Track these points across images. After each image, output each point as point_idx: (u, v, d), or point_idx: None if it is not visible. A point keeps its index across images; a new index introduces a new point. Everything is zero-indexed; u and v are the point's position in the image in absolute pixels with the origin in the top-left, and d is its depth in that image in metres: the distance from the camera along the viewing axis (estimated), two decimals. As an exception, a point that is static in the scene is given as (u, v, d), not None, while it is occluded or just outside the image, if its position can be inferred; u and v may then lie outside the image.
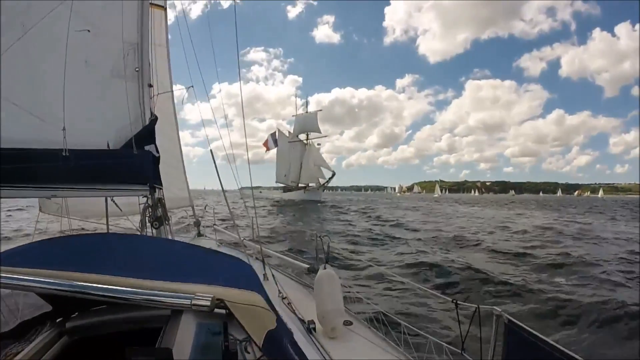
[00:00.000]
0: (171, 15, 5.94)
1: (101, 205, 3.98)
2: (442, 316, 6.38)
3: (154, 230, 3.81)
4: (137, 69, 3.56)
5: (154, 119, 3.59)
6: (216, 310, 1.41)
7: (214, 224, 7.14)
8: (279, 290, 3.57)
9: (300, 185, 74.96)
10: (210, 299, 1.32)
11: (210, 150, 4.38)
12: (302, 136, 77.78)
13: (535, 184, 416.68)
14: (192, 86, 5.22)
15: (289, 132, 78.74)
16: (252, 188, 5.17)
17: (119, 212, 4.27)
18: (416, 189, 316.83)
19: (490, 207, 50.75)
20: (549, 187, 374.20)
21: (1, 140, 2.88)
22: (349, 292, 3.82)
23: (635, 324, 5.93)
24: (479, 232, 19.28)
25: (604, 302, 6.86)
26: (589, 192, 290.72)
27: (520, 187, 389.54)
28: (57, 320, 2.27)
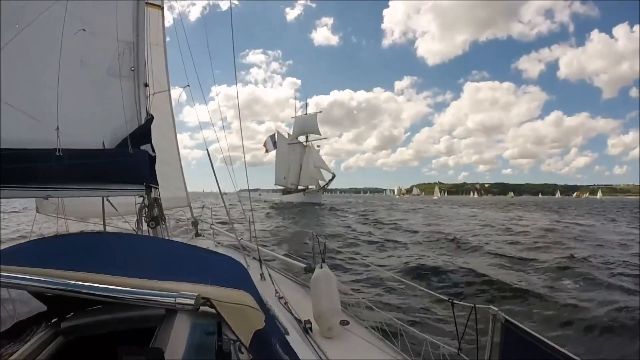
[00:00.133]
0: (170, 17, 5.94)
1: (98, 206, 3.97)
2: (438, 316, 6.38)
3: (151, 230, 3.80)
4: (132, 68, 3.55)
5: (149, 119, 3.58)
6: (207, 309, 1.40)
7: (212, 225, 7.14)
8: (275, 290, 3.56)
9: (299, 187, 74.66)
10: (194, 297, 1.30)
11: (207, 150, 4.38)
12: (302, 138, 77.64)
13: (534, 186, 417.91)
14: (188, 85, 5.20)
15: (288, 134, 78.68)
16: (249, 190, 5.16)
17: (116, 212, 4.25)
18: (415, 191, 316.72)
19: (491, 209, 50.65)
20: (548, 189, 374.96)
21: (0, 141, 2.87)
22: (346, 291, 3.80)
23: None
24: (482, 234, 19.13)
25: (618, 309, 6.76)
26: (587, 194, 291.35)
27: (519, 189, 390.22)
28: (53, 321, 2.26)
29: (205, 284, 1.48)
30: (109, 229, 4.35)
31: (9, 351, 1.91)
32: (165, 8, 5.87)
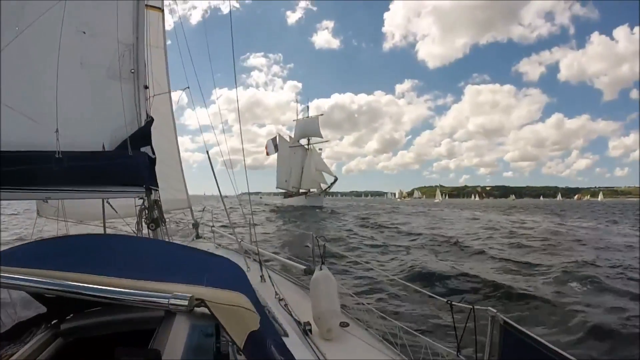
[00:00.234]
0: (171, 20, 5.96)
1: (98, 208, 3.97)
2: (438, 317, 6.36)
3: (151, 232, 3.80)
4: (132, 70, 3.56)
5: (149, 121, 3.59)
6: (205, 311, 1.40)
7: (212, 227, 7.15)
8: (275, 291, 3.56)
9: (301, 190, 74.35)
10: (188, 298, 1.29)
11: (207, 153, 4.39)
12: (303, 141, 77.50)
13: (535, 188, 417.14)
14: (188, 87, 5.22)
15: (290, 137, 78.50)
16: (249, 193, 5.16)
17: (117, 214, 4.26)
18: (416, 194, 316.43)
19: (493, 212, 50.42)
20: (549, 191, 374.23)
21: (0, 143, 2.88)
22: (346, 293, 3.81)
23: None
24: (486, 238, 18.84)
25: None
26: (588, 196, 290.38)
27: (521, 192, 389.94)
28: (52, 322, 2.26)
29: (200, 285, 1.48)
30: (109, 231, 4.35)
31: (9, 352, 1.92)
32: (167, 11, 5.89)
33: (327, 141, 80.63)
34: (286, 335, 2.42)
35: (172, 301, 1.29)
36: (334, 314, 3.03)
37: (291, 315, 3.14)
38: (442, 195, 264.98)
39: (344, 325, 3.14)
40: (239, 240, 5.14)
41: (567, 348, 5.11)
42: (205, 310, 1.38)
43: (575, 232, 22.14)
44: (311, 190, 72.93)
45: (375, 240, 17.79)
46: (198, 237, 7.01)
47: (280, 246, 13.83)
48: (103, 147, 3.36)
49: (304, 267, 4.11)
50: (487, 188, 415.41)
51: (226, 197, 5.21)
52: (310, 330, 2.95)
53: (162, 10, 5.82)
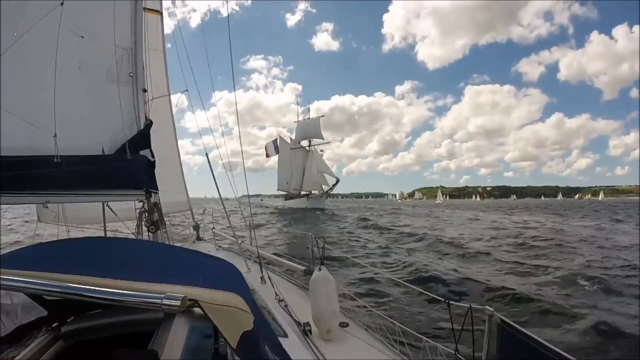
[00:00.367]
0: (171, 23, 5.98)
1: (98, 212, 3.98)
2: (436, 316, 6.39)
3: (151, 235, 3.81)
4: (131, 74, 3.58)
5: (148, 124, 3.61)
6: (199, 312, 1.42)
7: (213, 228, 7.17)
8: (275, 292, 3.57)
9: (302, 192, 74.06)
10: (180, 298, 1.31)
11: (207, 156, 4.41)
12: (304, 143, 77.28)
13: (536, 188, 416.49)
14: (187, 90, 5.24)
15: (291, 138, 78.37)
16: (248, 195, 5.18)
17: (117, 217, 4.27)
18: (417, 195, 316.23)
19: (496, 213, 50.18)
20: (550, 191, 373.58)
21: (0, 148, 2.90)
22: (345, 293, 3.81)
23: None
24: (491, 239, 18.55)
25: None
26: (589, 195, 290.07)
27: (521, 192, 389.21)
28: (53, 325, 2.28)
29: (195, 286, 1.50)
30: (109, 234, 4.37)
31: (10, 355, 1.93)
32: (166, 15, 5.91)
33: (328, 142, 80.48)
34: (286, 335, 2.43)
35: (165, 301, 1.31)
36: (333, 314, 3.04)
37: (291, 315, 3.15)
38: (443, 196, 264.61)
39: (343, 325, 3.15)
40: (240, 242, 5.16)
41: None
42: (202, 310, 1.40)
43: (581, 232, 22.03)
44: (312, 192, 72.69)
45: (377, 242, 17.53)
46: (199, 239, 7.03)
47: (280, 247, 13.81)
48: (103, 150, 3.37)
49: (304, 268, 4.12)
50: (488, 188, 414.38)
51: (227, 199, 5.23)
52: (310, 331, 2.96)
53: (161, 14, 5.84)
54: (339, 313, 3.20)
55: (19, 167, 2.96)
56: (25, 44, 3.12)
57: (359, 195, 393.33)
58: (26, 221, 17.70)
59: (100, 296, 1.42)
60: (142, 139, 3.52)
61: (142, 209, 3.70)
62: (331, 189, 71.64)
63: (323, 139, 76.81)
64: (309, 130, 76.73)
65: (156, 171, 3.65)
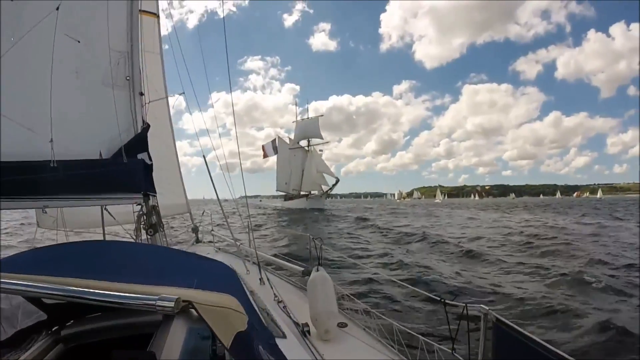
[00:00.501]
0: (169, 25, 5.97)
1: (97, 216, 3.99)
2: (434, 316, 6.43)
3: (149, 238, 3.82)
4: (127, 78, 3.59)
5: (145, 127, 3.62)
6: (196, 313, 1.44)
7: (212, 230, 7.17)
8: (274, 293, 3.58)
9: (302, 193, 73.79)
10: (174, 300, 1.34)
11: (204, 158, 4.42)
12: (303, 142, 76.99)
13: (534, 187, 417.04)
14: (183, 93, 5.26)
15: (290, 138, 78.13)
16: (246, 197, 5.20)
17: (115, 221, 4.28)
18: (416, 194, 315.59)
19: (498, 212, 50.18)
20: (548, 189, 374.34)
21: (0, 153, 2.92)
22: (343, 294, 3.83)
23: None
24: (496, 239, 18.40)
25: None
26: (588, 193, 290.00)
27: (520, 190, 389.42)
28: (53, 329, 2.30)
29: (190, 288, 1.53)
30: (108, 238, 4.38)
31: (11, 359, 1.95)
32: (163, 16, 5.90)
33: (327, 142, 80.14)
34: (284, 336, 2.45)
35: (159, 303, 1.34)
36: (331, 314, 3.06)
37: (290, 316, 3.16)
38: (441, 195, 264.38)
39: (341, 325, 3.17)
40: (238, 243, 5.17)
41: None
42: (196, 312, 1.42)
43: (585, 230, 21.96)
44: (312, 192, 72.34)
45: (377, 243, 17.36)
46: (198, 241, 7.03)
47: (279, 249, 13.78)
48: (100, 154, 3.38)
49: (302, 269, 4.14)
50: (487, 187, 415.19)
51: (225, 200, 5.24)
52: (308, 332, 2.98)
53: (158, 16, 5.84)
54: (337, 313, 3.21)
55: (16, 172, 2.98)
56: (22, 49, 3.12)
57: (357, 195, 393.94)
58: (22, 223, 17.77)
59: (97, 298, 1.45)
60: (139, 142, 3.53)
61: (141, 212, 3.71)
62: (331, 189, 71.20)
63: (322, 138, 76.52)
64: (308, 130, 76.41)
65: (154, 174, 3.65)
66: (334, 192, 75.53)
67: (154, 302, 1.35)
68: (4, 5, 3.04)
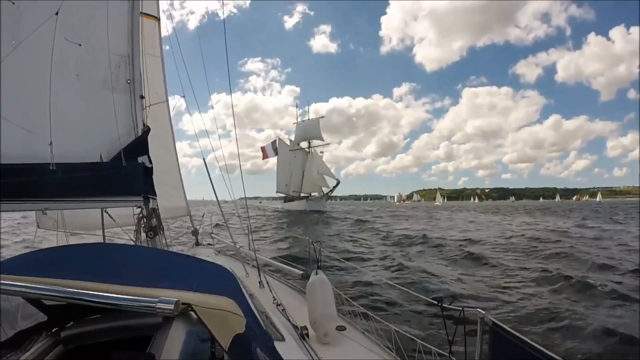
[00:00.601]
0: (169, 26, 5.96)
1: (97, 218, 4.01)
2: (432, 318, 6.45)
3: (149, 240, 3.84)
4: (128, 81, 3.61)
5: (146, 130, 3.63)
6: (195, 316, 1.47)
7: (212, 233, 7.18)
8: (273, 296, 3.60)
9: (302, 194, 73.30)
10: (174, 302, 1.36)
11: (204, 159, 4.44)
12: (304, 144, 76.65)
13: (534, 190, 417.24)
14: (184, 96, 5.28)
15: (290, 140, 77.83)
16: (245, 198, 5.20)
17: (115, 223, 4.29)
18: (415, 197, 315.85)
19: (499, 215, 50.06)
20: (548, 193, 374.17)
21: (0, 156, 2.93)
22: (342, 297, 3.85)
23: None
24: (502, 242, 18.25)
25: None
26: (587, 197, 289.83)
27: (520, 194, 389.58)
28: (53, 330, 2.31)
29: (189, 291, 1.55)
30: (108, 240, 4.40)
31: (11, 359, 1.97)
32: (164, 18, 5.91)
33: (328, 144, 79.94)
34: (283, 339, 2.46)
35: (159, 305, 1.36)
36: (330, 317, 3.07)
37: (288, 319, 3.17)
38: (441, 198, 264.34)
39: (340, 329, 3.18)
40: (238, 246, 5.18)
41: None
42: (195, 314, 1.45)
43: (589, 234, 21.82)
44: (312, 194, 71.98)
45: (378, 246, 17.14)
46: (198, 244, 7.04)
47: (278, 252, 13.78)
48: (101, 157, 3.40)
49: (302, 272, 4.16)
50: (486, 190, 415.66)
51: (225, 202, 5.25)
52: (307, 335, 2.98)
53: (158, 19, 5.86)
54: (336, 317, 3.22)
55: (17, 174, 3.00)
56: (24, 52, 3.15)
57: (357, 198, 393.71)
58: (19, 223, 17.73)
59: (98, 300, 1.47)
60: (139, 145, 3.54)
61: (141, 215, 3.73)
62: (331, 190, 71.10)
63: (323, 140, 76.27)
64: (309, 131, 76.11)
65: (154, 177, 3.67)
66: (333, 194, 75.37)
67: (154, 305, 1.37)
68: (5, 8, 3.07)
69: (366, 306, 3.80)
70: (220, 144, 5.19)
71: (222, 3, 5.34)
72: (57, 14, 3.22)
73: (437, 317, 6.19)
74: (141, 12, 3.84)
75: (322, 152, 76.13)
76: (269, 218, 42.27)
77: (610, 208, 78.10)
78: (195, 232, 7.05)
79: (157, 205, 3.79)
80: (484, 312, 2.23)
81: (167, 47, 5.99)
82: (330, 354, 2.78)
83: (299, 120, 78.85)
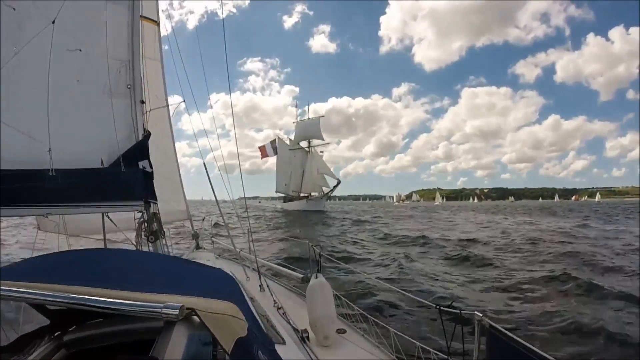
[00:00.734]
0: (168, 26, 5.96)
1: (98, 222, 4.02)
2: (431, 321, 6.47)
3: (150, 245, 3.86)
4: (129, 86, 3.63)
5: (146, 135, 3.65)
6: (197, 320, 1.50)
7: (212, 237, 7.20)
8: (274, 300, 3.62)
9: (302, 194, 73.09)
10: (179, 307, 1.40)
11: (204, 164, 4.47)
12: (304, 143, 76.38)
13: (533, 190, 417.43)
14: (184, 101, 5.30)
15: (290, 139, 77.60)
16: (245, 198, 5.23)
17: (116, 227, 4.31)
18: (414, 197, 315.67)
19: (498, 215, 50.02)
20: (547, 193, 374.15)
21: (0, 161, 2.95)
22: (342, 300, 3.87)
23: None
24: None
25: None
26: (586, 197, 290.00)
27: (519, 194, 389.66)
28: (55, 334, 2.33)
29: (192, 296, 1.59)
30: (109, 243, 4.41)
31: None
32: (163, 17, 5.90)
33: (328, 143, 79.52)
34: (283, 342, 2.49)
35: (165, 310, 1.40)
36: (330, 320, 3.09)
37: (289, 322, 3.20)
38: (440, 197, 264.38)
39: (340, 331, 3.21)
40: (238, 250, 5.21)
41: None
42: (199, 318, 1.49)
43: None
44: (312, 194, 71.72)
45: (379, 249, 16.94)
46: (198, 247, 7.03)
47: (278, 254, 13.78)
48: (102, 162, 3.41)
49: (302, 276, 4.18)
50: (485, 190, 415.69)
51: (224, 202, 5.27)
52: (307, 338, 3.01)
53: (158, 24, 5.88)
54: (336, 319, 3.25)
55: (16, 180, 3.02)
56: (24, 58, 3.16)
57: (356, 198, 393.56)
58: (17, 223, 17.65)
59: (105, 306, 1.50)
60: (140, 150, 3.56)
61: (141, 219, 3.75)
62: (332, 190, 70.88)
63: (323, 139, 75.89)
64: (309, 130, 75.83)
65: (155, 181, 3.69)
66: (333, 194, 75.04)
67: (159, 310, 1.41)
68: (6, 14, 3.09)
69: (366, 309, 3.82)
70: (219, 144, 5.21)
71: (222, 3, 5.35)
72: (53, 22, 3.22)
73: (435, 319, 6.21)
74: (141, 16, 3.86)
75: (322, 152, 76.02)
76: (269, 219, 42.05)
77: (610, 208, 77.86)
78: (195, 236, 7.06)
79: (158, 210, 3.81)
80: (481, 314, 2.26)
81: (166, 47, 6.02)
82: (330, 356, 2.81)
83: (299, 119, 78.68)
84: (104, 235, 4.12)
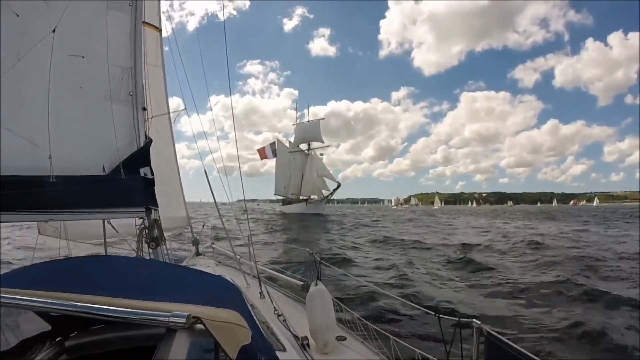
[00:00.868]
0: (169, 27, 5.96)
1: (98, 228, 4.03)
2: (429, 328, 6.49)
3: (151, 251, 3.87)
4: (131, 93, 3.64)
5: (148, 142, 3.66)
6: (199, 327, 1.53)
7: (212, 244, 7.21)
8: (274, 307, 3.64)
9: (301, 197, 72.87)
10: (186, 316, 1.43)
11: (205, 170, 4.48)
12: (303, 146, 76.04)
13: (531, 194, 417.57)
14: (185, 109, 5.32)
15: (289, 142, 77.38)
16: (244, 200, 5.23)
17: (117, 234, 4.32)
18: (413, 201, 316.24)
19: (498, 219, 50.07)
20: (545, 197, 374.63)
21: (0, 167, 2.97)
22: (342, 308, 3.89)
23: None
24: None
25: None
26: (584, 201, 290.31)
27: (517, 198, 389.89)
28: (57, 340, 2.35)
29: (197, 304, 1.61)
30: (110, 249, 4.43)
31: None
32: (164, 18, 5.91)
33: (328, 146, 79.18)
34: (284, 349, 2.51)
35: (172, 319, 1.43)
36: (330, 328, 3.11)
37: (289, 330, 3.21)
38: (439, 201, 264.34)
39: (340, 339, 3.22)
40: (239, 257, 5.22)
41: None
42: (202, 326, 1.51)
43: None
44: (312, 197, 71.35)
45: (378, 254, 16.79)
46: (198, 254, 7.03)
47: (279, 259, 13.77)
48: (103, 169, 3.43)
49: (302, 283, 4.19)
50: (484, 194, 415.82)
51: (223, 204, 5.27)
52: (307, 345, 3.03)
53: (160, 30, 5.90)
54: (336, 327, 3.27)
55: (17, 186, 3.04)
56: (27, 64, 3.18)
57: (354, 201, 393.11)
58: (13, 225, 17.47)
59: (112, 315, 1.53)
60: (141, 156, 3.57)
61: (142, 226, 3.77)
62: (332, 193, 70.60)
63: (323, 142, 75.62)
64: (309, 132, 75.52)
65: (156, 187, 3.70)
66: (331, 198, 74.73)
67: (167, 319, 1.44)
68: (8, 21, 3.11)
69: (366, 316, 3.84)
70: (219, 146, 5.23)
71: (222, 5, 5.38)
72: (54, 31, 3.25)
73: (435, 325, 6.21)
74: (143, 22, 3.88)
75: (321, 154, 75.79)
76: (268, 222, 41.70)
77: (610, 213, 77.78)
78: (195, 242, 7.06)
79: (159, 216, 3.82)
80: (479, 322, 2.29)
81: (167, 48, 6.02)
82: None
83: (298, 122, 78.48)
84: (105, 242, 4.13)
